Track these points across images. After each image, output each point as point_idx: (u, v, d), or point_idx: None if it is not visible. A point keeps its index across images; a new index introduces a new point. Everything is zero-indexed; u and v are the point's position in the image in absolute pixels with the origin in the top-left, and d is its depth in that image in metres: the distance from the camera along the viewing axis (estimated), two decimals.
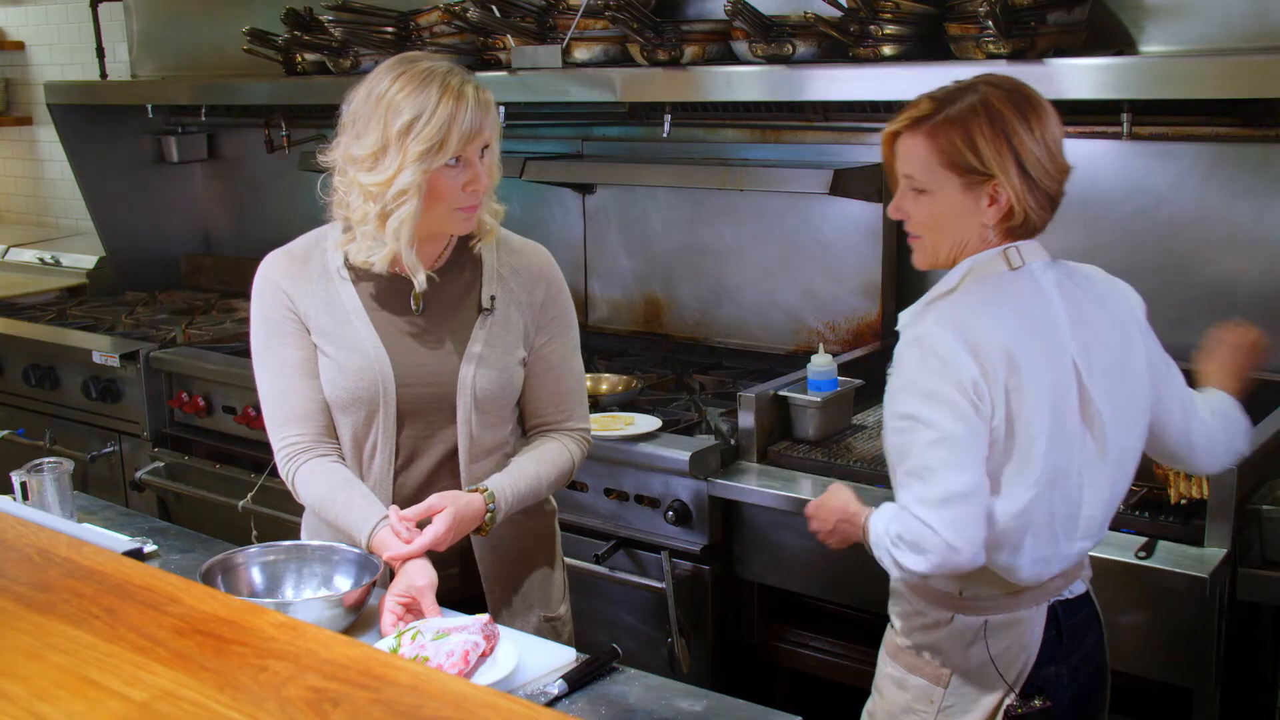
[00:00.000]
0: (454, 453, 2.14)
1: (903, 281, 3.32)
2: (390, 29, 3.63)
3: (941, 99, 1.90)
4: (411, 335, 2.13)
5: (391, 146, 1.98)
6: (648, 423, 2.95)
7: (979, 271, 1.91)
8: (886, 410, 1.90)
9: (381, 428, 2.12)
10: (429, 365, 2.12)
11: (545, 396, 2.22)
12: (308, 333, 2.13)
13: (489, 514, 2.08)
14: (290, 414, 2.13)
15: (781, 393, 2.89)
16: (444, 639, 1.83)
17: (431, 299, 2.15)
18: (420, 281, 2.08)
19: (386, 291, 2.14)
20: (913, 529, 1.82)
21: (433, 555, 2.09)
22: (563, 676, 1.83)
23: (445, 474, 2.16)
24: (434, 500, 2.05)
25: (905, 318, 1.94)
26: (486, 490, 2.09)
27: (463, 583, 2.19)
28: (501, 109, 3.33)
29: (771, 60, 2.96)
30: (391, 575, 2.05)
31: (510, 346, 2.15)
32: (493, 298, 2.15)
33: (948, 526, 1.80)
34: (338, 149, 2.07)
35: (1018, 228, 1.91)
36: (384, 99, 1.99)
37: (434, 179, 2.00)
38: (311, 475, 2.12)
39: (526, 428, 2.26)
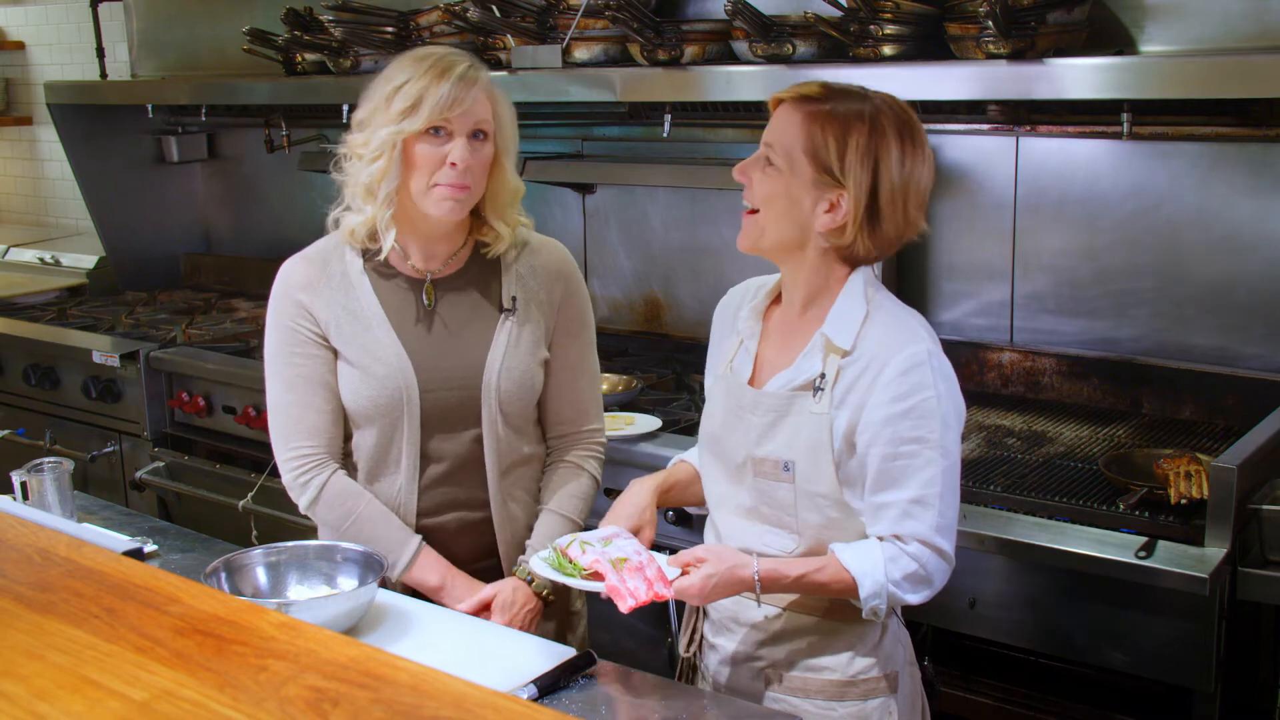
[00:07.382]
0: (480, 460, 2.13)
1: (902, 282, 3.32)
2: (390, 29, 3.63)
3: (836, 92, 1.83)
4: (433, 339, 2.12)
5: (379, 109, 2.05)
6: (648, 423, 2.95)
7: (872, 282, 1.87)
8: (877, 433, 1.78)
9: (406, 435, 2.10)
10: (452, 369, 2.12)
11: (564, 399, 2.22)
12: (325, 344, 2.12)
13: (538, 594, 2.14)
14: (300, 426, 2.12)
15: None
16: (610, 545, 1.84)
17: (452, 302, 2.14)
18: (387, 244, 2.09)
19: (406, 296, 2.14)
20: (926, 562, 1.77)
21: (457, 553, 2.14)
22: (533, 681, 1.77)
23: (471, 483, 2.14)
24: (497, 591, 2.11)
25: (890, 338, 1.81)
26: (533, 581, 2.13)
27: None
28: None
29: (771, 60, 2.96)
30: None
31: (532, 346, 2.15)
32: (514, 298, 2.16)
33: (952, 551, 1.79)
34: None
35: (844, 249, 1.83)
36: (387, 72, 2.08)
37: (410, 145, 2.03)
38: (335, 496, 2.12)
39: (547, 439, 2.26)
